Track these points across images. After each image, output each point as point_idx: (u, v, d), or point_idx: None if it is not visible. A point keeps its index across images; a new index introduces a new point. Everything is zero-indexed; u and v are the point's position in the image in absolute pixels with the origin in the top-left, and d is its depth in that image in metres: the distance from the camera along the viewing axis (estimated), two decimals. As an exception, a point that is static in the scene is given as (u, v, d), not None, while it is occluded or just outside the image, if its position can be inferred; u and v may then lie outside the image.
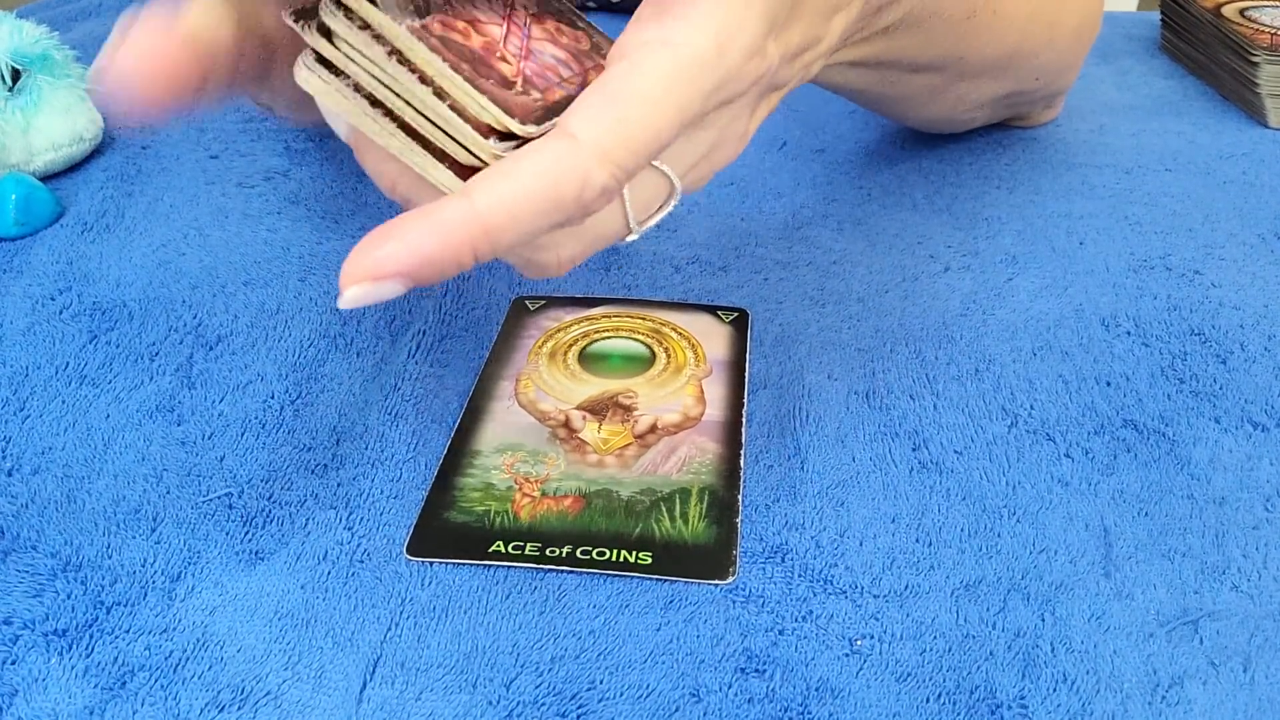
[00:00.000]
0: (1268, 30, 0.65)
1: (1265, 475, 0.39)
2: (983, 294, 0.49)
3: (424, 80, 0.28)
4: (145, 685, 0.31)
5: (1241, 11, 0.68)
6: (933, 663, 0.32)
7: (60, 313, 0.47)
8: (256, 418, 0.41)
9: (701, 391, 0.42)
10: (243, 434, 0.41)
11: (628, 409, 0.41)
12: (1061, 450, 0.40)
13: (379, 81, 0.28)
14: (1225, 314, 0.47)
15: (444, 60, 0.27)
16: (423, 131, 0.28)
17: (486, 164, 0.28)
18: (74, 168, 0.59)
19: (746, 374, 0.43)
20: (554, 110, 0.29)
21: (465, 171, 0.28)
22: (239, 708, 0.31)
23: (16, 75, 0.55)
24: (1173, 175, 0.59)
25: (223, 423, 0.41)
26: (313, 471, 0.39)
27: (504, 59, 0.29)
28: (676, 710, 0.31)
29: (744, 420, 0.41)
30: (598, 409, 0.41)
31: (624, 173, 0.27)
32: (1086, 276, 0.50)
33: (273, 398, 0.42)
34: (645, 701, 0.31)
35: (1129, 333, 0.46)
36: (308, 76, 0.29)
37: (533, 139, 0.28)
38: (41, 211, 0.53)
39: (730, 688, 0.32)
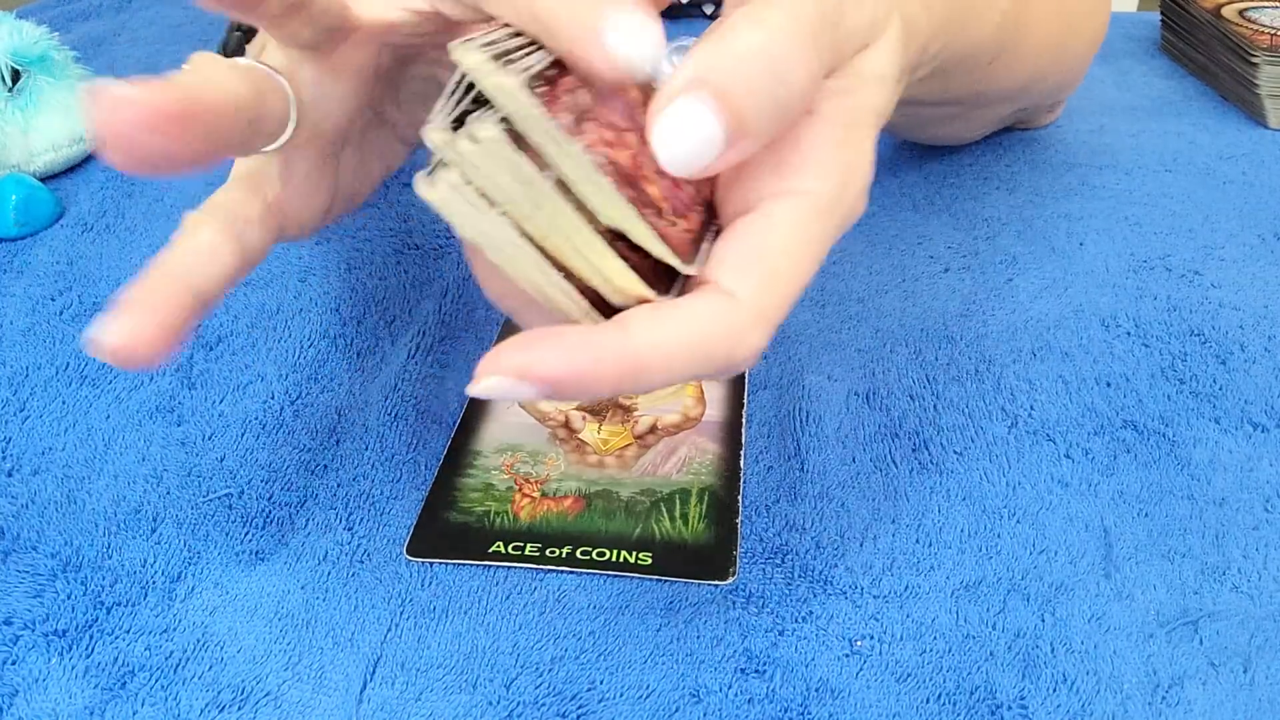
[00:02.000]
0: (1267, 31, 0.65)
1: (1265, 476, 0.39)
2: (983, 295, 0.49)
3: (583, 210, 0.24)
4: (145, 685, 0.31)
5: (1241, 12, 0.68)
6: (933, 663, 0.32)
7: (60, 313, 0.47)
8: (256, 418, 0.41)
9: (701, 392, 0.42)
10: (243, 434, 0.41)
11: (628, 410, 0.41)
12: (1061, 451, 0.40)
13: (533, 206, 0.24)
14: (1225, 315, 0.47)
15: (614, 189, 0.24)
16: (570, 265, 0.25)
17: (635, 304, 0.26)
18: (74, 168, 0.59)
19: (747, 374, 0.43)
20: (698, 240, 0.26)
21: (609, 310, 0.26)
22: (239, 708, 0.31)
23: (16, 76, 0.55)
24: (1172, 176, 0.59)
25: (223, 423, 0.41)
26: (313, 472, 0.39)
27: (647, 178, 0.25)
28: (676, 711, 0.31)
29: (744, 421, 0.41)
30: (598, 409, 0.41)
31: (774, 329, 0.27)
32: (1086, 277, 0.50)
33: (273, 398, 0.42)
34: (645, 702, 0.31)
35: (1129, 333, 0.46)
36: (446, 194, 0.23)
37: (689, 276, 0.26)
38: (41, 212, 0.53)
39: (730, 688, 0.32)
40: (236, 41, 0.41)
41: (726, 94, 0.24)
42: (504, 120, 0.23)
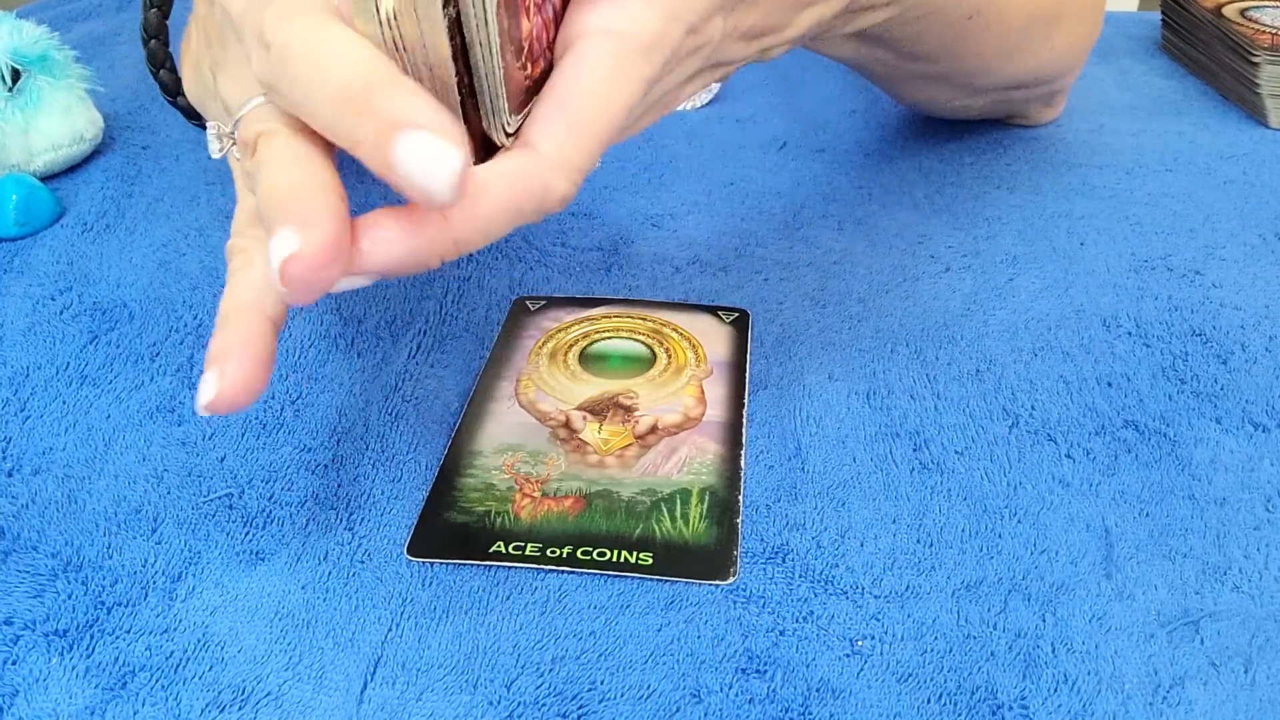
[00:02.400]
0: (1268, 30, 0.65)
1: (1266, 476, 0.39)
2: (983, 294, 0.49)
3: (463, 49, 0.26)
4: (146, 685, 0.31)
5: (1242, 12, 0.68)
6: (933, 663, 0.32)
7: (61, 313, 0.47)
8: (257, 418, 0.41)
9: (702, 392, 0.42)
10: (243, 434, 0.41)
11: (628, 409, 0.41)
12: (1062, 451, 0.40)
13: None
14: (1226, 314, 0.47)
15: (498, 34, 0.26)
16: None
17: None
18: (74, 168, 0.59)
19: (747, 374, 0.43)
20: (534, 90, 0.29)
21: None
22: (240, 708, 0.31)
23: (16, 75, 0.55)
24: (1173, 175, 0.59)
25: (223, 423, 0.41)
26: (313, 472, 0.39)
27: (527, 9, 0.28)
28: (677, 711, 0.31)
29: (744, 421, 0.41)
30: (598, 409, 0.41)
31: (582, 175, 0.28)
32: (1087, 277, 0.50)
33: (273, 398, 0.42)
34: (646, 702, 0.31)
35: (1130, 333, 0.46)
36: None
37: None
38: (42, 212, 0.53)
39: (731, 688, 0.32)
40: (155, 19, 0.41)
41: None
42: None
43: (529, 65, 0.28)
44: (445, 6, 0.25)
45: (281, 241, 0.26)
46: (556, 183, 0.28)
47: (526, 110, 0.29)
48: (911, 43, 0.45)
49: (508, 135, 0.29)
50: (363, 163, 0.26)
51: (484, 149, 0.29)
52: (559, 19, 0.30)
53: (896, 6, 0.40)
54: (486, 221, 0.27)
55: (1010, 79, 0.54)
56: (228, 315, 0.31)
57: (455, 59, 0.26)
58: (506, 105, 0.28)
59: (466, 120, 0.28)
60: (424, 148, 0.24)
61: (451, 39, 0.26)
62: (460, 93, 0.27)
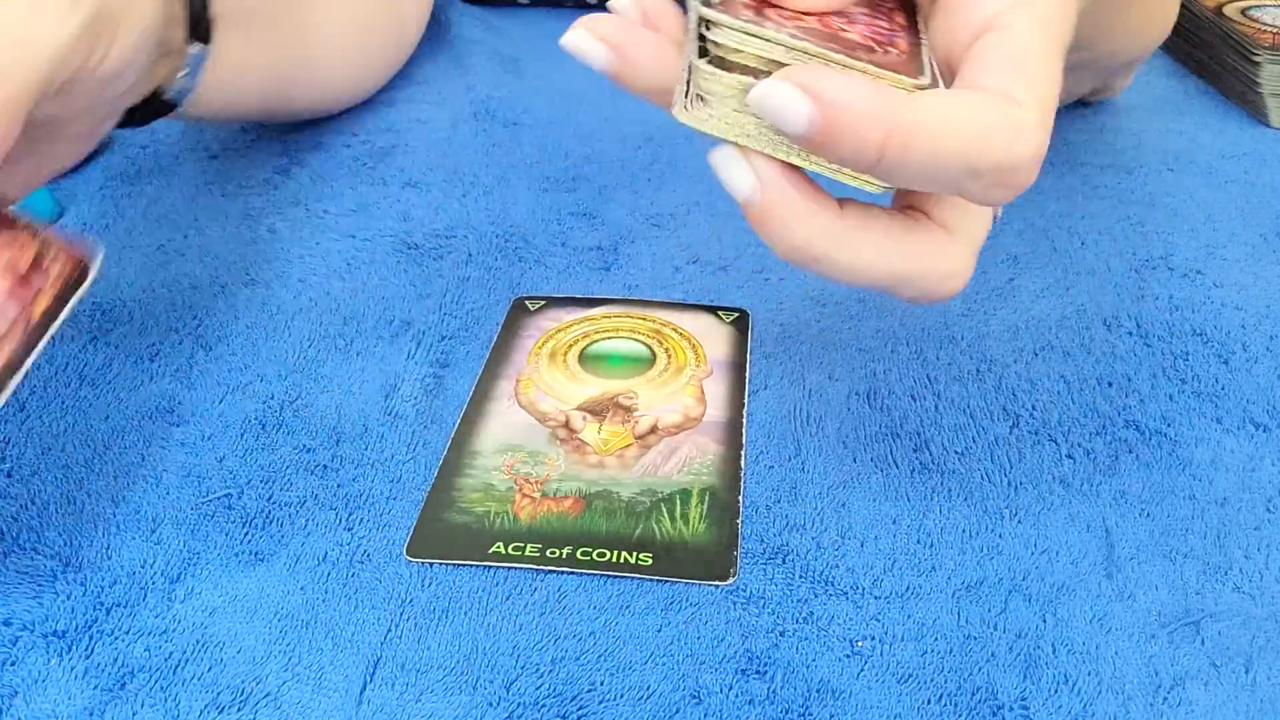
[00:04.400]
0: (1270, 30, 0.65)
1: (1267, 476, 0.39)
2: (984, 294, 0.49)
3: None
4: (145, 686, 0.31)
5: (1243, 11, 0.68)
6: (934, 664, 0.32)
7: (60, 313, 0.47)
8: (256, 418, 0.41)
9: (702, 392, 0.42)
10: (242, 435, 0.41)
11: (628, 409, 0.41)
12: (1063, 451, 0.40)
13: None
14: (1227, 314, 0.47)
15: (820, 46, 0.26)
16: None
17: None
18: (75, 168, 0.58)
19: (747, 374, 0.43)
20: (916, 58, 0.27)
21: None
22: (239, 709, 0.31)
23: (16, 75, 0.55)
24: (1174, 175, 0.59)
25: (222, 423, 0.41)
26: (313, 472, 0.39)
27: (842, 28, 0.27)
28: (677, 712, 0.31)
29: (745, 421, 0.41)
30: (598, 409, 0.41)
31: (1048, 135, 0.26)
32: (1088, 277, 0.50)
33: (272, 398, 0.42)
34: (646, 703, 0.31)
35: (1130, 333, 0.46)
36: (698, 114, 0.27)
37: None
38: (41, 212, 0.53)
39: (731, 689, 0.31)
40: None
41: None
42: (706, 35, 0.26)
43: (888, 49, 0.27)
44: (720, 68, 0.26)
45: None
46: (1034, 130, 0.25)
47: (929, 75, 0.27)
48: (1089, 37, 0.44)
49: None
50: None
51: None
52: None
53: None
54: (948, 126, 0.24)
55: (1133, 54, 0.53)
56: None
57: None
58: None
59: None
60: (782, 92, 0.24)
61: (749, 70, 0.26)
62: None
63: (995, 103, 0.25)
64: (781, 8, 0.27)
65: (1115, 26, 0.52)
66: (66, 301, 0.32)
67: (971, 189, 0.25)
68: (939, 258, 0.28)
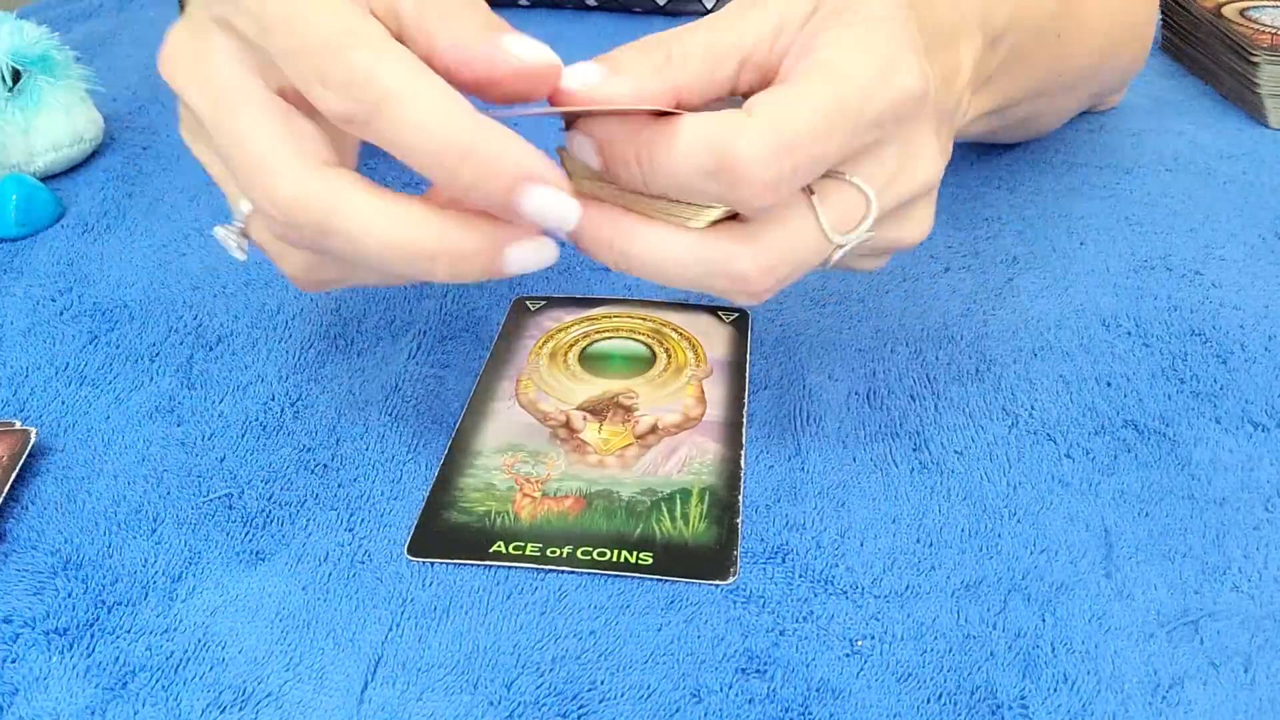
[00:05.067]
0: (1268, 30, 0.65)
1: (1266, 475, 0.39)
2: (983, 294, 0.49)
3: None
4: (146, 685, 0.31)
5: (1242, 11, 0.68)
6: (933, 663, 0.32)
7: (61, 313, 0.47)
8: (257, 418, 0.41)
9: (702, 392, 0.42)
10: (243, 435, 0.41)
11: (628, 409, 0.41)
12: (1062, 450, 0.40)
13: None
14: (1226, 314, 0.47)
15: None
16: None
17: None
18: (75, 168, 0.59)
19: (747, 374, 0.43)
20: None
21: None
22: (240, 708, 0.31)
23: (17, 76, 0.55)
24: (1173, 175, 0.59)
25: (223, 423, 0.41)
26: (313, 472, 0.39)
27: None
28: (677, 711, 0.31)
29: (744, 421, 0.41)
30: (598, 409, 0.41)
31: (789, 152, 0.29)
32: (1087, 277, 0.50)
33: (273, 398, 0.42)
34: (646, 702, 0.31)
35: (1129, 333, 0.46)
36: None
37: None
38: (42, 212, 0.53)
39: (731, 688, 0.32)
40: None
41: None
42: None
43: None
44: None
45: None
46: (746, 139, 0.29)
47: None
48: (1025, 84, 0.47)
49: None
50: (473, 202, 0.29)
51: None
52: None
53: (1009, 38, 0.41)
54: (672, 153, 0.29)
55: (1102, 83, 0.57)
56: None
57: None
58: None
59: None
60: (549, 199, 0.30)
61: None
62: None
63: (725, 115, 0.29)
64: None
65: (1089, 76, 0.53)
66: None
67: (711, 190, 0.30)
68: (732, 261, 0.31)
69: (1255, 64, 0.63)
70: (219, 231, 0.35)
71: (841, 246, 0.32)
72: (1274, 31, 0.65)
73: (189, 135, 0.36)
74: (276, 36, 0.28)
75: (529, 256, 0.31)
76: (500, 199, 0.29)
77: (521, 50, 0.30)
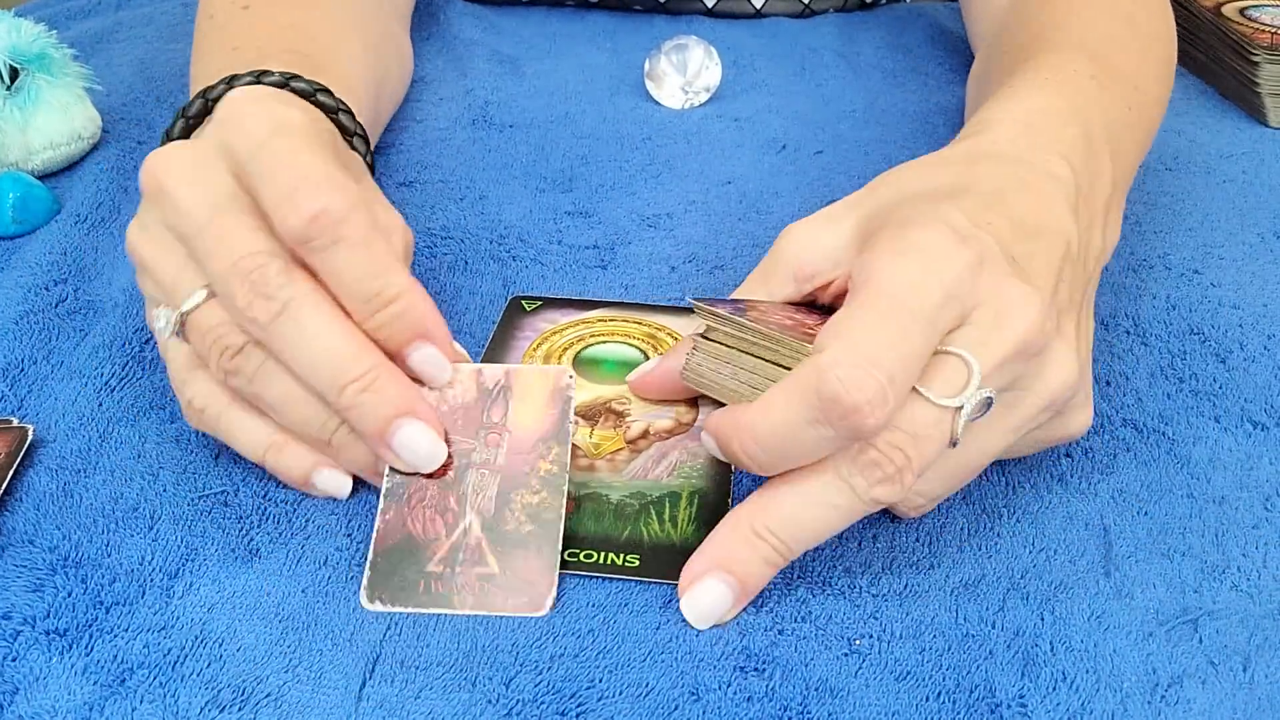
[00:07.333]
0: (1268, 30, 0.65)
1: (1265, 474, 0.39)
2: (982, 293, 0.49)
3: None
4: (144, 683, 0.31)
5: (1242, 11, 0.68)
6: (932, 662, 0.32)
7: (56, 307, 0.47)
8: (255, 416, 0.41)
9: (695, 398, 0.42)
10: (241, 432, 0.40)
11: (620, 414, 0.41)
12: (1061, 449, 0.40)
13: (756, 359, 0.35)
14: (1224, 313, 0.47)
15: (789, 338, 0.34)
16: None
17: None
18: (72, 166, 0.58)
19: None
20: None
21: None
22: (239, 706, 0.31)
23: (15, 74, 0.55)
24: (1172, 174, 0.59)
25: (221, 421, 0.41)
26: (311, 470, 0.39)
27: (808, 326, 0.36)
28: (675, 709, 0.31)
29: (743, 419, 0.41)
30: (590, 414, 0.41)
31: (869, 373, 0.30)
32: (1086, 276, 0.50)
33: (271, 396, 0.42)
34: (644, 700, 0.31)
35: (1128, 332, 0.46)
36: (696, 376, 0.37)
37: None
38: (39, 210, 0.53)
39: (729, 686, 0.31)
40: (181, 130, 0.43)
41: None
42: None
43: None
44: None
45: None
46: (831, 374, 0.30)
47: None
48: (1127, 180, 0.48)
49: None
50: (351, 425, 0.34)
51: None
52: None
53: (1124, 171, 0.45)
54: (776, 426, 0.31)
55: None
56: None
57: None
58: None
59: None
60: (420, 434, 0.34)
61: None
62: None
63: (802, 364, 0.31)
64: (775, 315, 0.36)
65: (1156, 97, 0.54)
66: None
67: (827, 435, 0.31)
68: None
69: (1255, 63, 0.63)
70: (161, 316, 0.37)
71: (960, 409, 0.31)
72: (1274, 31, 0.65)
73: (141, 234, 0.38)
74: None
75: (331, 481, 0.37)
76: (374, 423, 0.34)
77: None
